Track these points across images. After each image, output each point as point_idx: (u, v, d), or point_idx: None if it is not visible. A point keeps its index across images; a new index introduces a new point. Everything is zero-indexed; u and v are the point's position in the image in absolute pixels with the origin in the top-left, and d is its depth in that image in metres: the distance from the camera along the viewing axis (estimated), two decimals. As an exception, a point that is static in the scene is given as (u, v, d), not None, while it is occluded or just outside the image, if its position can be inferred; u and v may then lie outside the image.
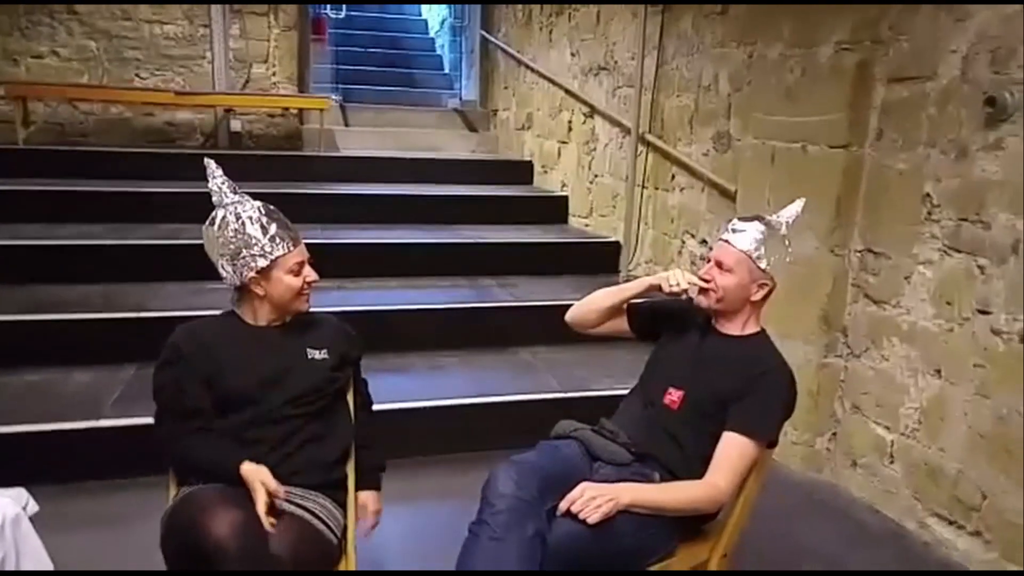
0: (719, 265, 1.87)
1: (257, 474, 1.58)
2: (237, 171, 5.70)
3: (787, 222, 1.92)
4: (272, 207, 1.80)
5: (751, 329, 1.92)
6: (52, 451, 2.66)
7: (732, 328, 1.91)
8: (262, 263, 1.73)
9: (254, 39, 6.31)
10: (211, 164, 1.78)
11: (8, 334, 3.18)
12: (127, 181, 4.75)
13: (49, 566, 1.68)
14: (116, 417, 2.73)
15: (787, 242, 1.90)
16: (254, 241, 1.72)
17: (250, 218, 1.73)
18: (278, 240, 1.74)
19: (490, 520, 1.59)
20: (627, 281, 2.03)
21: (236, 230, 1.71)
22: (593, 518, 1.56)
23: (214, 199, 1.76)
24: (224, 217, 1.73)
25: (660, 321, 2.04)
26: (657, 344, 2.04)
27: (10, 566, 1.58)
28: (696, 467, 1.78)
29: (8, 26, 5.79)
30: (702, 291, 1.89)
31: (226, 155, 5.84)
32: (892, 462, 2.68)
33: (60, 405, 2.82)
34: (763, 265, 1.84)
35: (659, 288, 1.92)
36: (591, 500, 1.59)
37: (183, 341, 1.74)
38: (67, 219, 4.33)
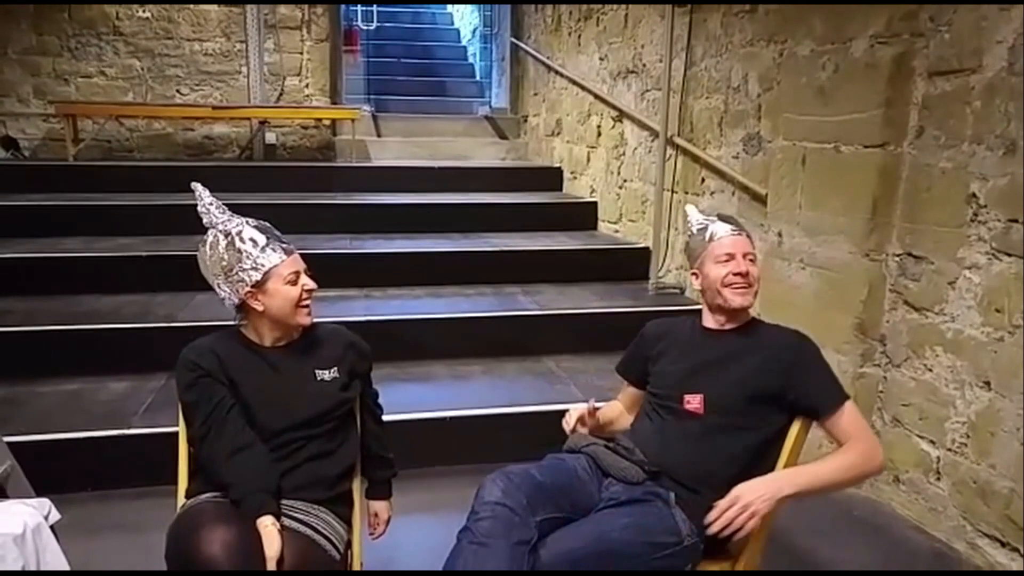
0: (746, 256, 1.84)
1: (270, 543, 1.49)
2: (271, 182, 5.82)
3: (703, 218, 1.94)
4: (264, 222, 1.78)
5: (744, 317, 1.90)
6: (84, 459, 2.71)
7: (730, 322, 1.88)
8: (255, 276, 1.69)
9: (288, 52, 6.42)
10: (198, 187, 1.77)
11: (49, 344, 3.29)
12: (166, 194, 4.85)
13: None
14: (144, 426, 2.77)
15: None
16: (245, 255, 1.69)
17: (239, 234, 1.70)
18: (269, 251, 1.71)
19: (473, 527, 1.54)
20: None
21: (227, 246, 1.70)
22: (751, 525, 1.51)
23: (204, 220, 1.74)
24: (215, 236, 1.72)
25: (648, 356, 1.96)
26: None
27: None
28: (718, 476, 1.68)
29: (59, 47, 6.05)
30: (743, 289, 1.83)
31: (261, 167, 5.95)
32: (938, 479, 2.53)
33: (93, 414, 2.88)
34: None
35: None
36: (745, 508, 1.51)
37: (200, 358, 1.70)
38: (109, 232, 4.46)
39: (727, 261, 1.83)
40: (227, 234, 1.70)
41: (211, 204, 1.74)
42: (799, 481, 1.59)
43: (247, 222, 1.74)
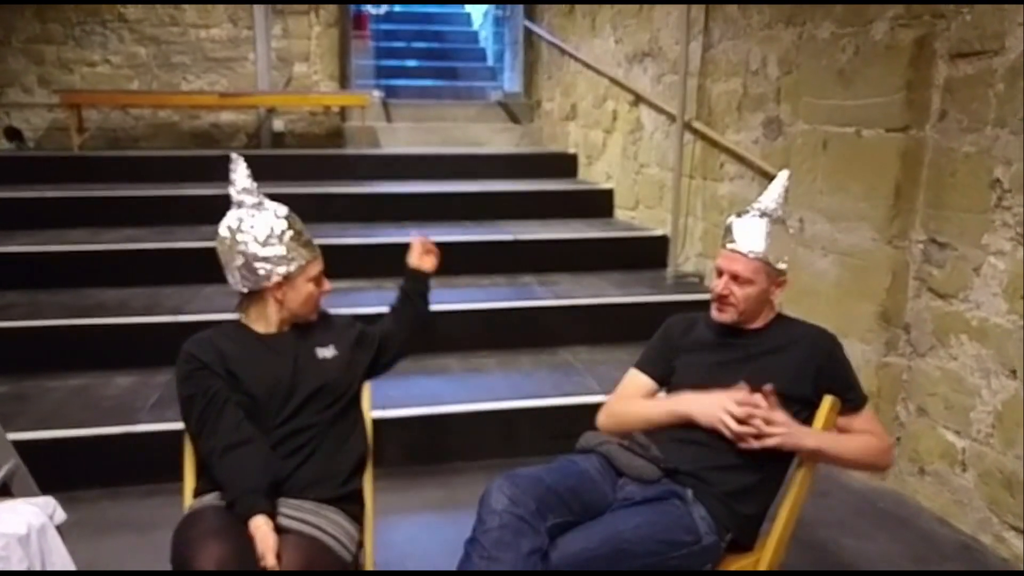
0: (735, 278, 1.79)
1: (264, 541, 1.47)
2: (279, 171, 5.74)
3: (779, 202, 1.84)
4: (290, 212, 1.78)
5: (769, 317, 1.87)
6: (92, 456, 2.69)
7: (755, 323, 1.85)
8: (290, 268, 1.73)
9: (296, 38, 6.34)
10: (236, 159, 1.78)
11: (55, 338, 3.25)
12: (173, 184, 4.82)
13: None
14: (152, 422, 2.75)
15: (790, 228, 1.87)
16: (273, 251, 1.71)
17: (268, 225, 1.72)
18: (301, 248, 1.75)
19: (481, 538, 1.49)
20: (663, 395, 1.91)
21: (255, 238, 1.71)
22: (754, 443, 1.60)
23: (233, 199, 1.75)
24: (242, 222, 1.73)
25: (677, 347, 1.92)
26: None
27: None
28: (740, 470, 1.66)
29: (63, 35, 5.98)
30: (721, 307, 1.82)
31: (269, 155, 5.89)
32: (964, 470, 2.48)
33: (101, 409, 2.85)
34: (781, 266, 1.80)
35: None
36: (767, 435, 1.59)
37: (199, 351, 1.71)
38: (115, 223, 4.41)
39: (720, 275, 1.83)
40: (253, 225, 1.71)
41: (247, 183, 1.75)
42: (825, 444, 1.68)
43: (277, 213, 1.74)
